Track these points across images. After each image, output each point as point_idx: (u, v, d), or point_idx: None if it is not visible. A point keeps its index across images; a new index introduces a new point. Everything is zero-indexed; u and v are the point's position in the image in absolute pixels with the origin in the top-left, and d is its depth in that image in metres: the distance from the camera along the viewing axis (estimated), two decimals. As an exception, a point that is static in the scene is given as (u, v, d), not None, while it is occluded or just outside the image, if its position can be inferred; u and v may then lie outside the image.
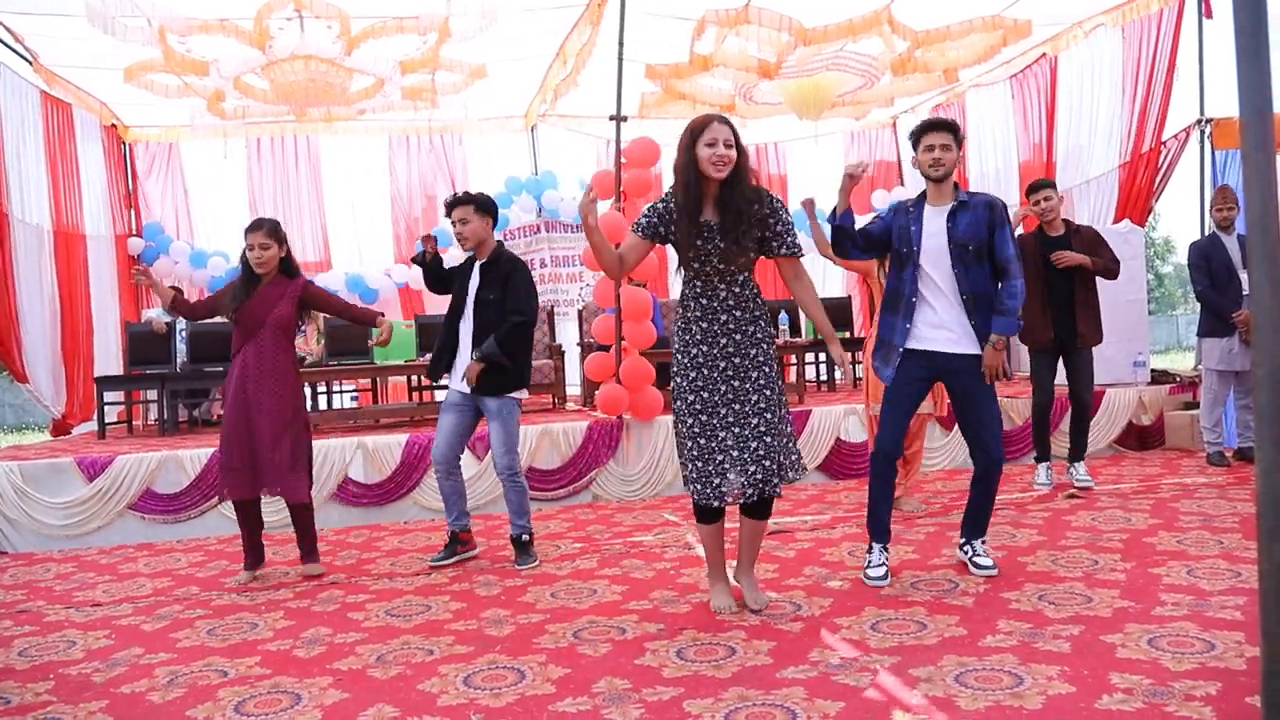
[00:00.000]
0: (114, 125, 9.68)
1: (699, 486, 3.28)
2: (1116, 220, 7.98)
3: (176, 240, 9.93)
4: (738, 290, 3.28)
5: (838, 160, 11.75)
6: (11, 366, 7.52)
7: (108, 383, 7.53)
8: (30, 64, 7.82)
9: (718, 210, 3.25)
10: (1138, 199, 8.00)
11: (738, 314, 3.27)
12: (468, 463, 5.85)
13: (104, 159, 9.43)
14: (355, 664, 3.12)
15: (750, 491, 3.25)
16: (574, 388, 8.91)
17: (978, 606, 3.36)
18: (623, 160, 6.32)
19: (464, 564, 4.53)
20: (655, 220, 3.31)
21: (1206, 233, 6.61)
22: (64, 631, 3.73)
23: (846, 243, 3.83)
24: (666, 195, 3.32)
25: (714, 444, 3.26)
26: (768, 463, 3.25)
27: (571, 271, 10.53)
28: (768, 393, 3.28)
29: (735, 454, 3.25)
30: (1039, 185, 5.48)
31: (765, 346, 3.32)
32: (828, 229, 3.94)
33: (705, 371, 3.27)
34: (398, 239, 10.58)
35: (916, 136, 3.78)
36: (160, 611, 3.95)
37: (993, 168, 10.04)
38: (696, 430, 3.28)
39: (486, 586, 4.08)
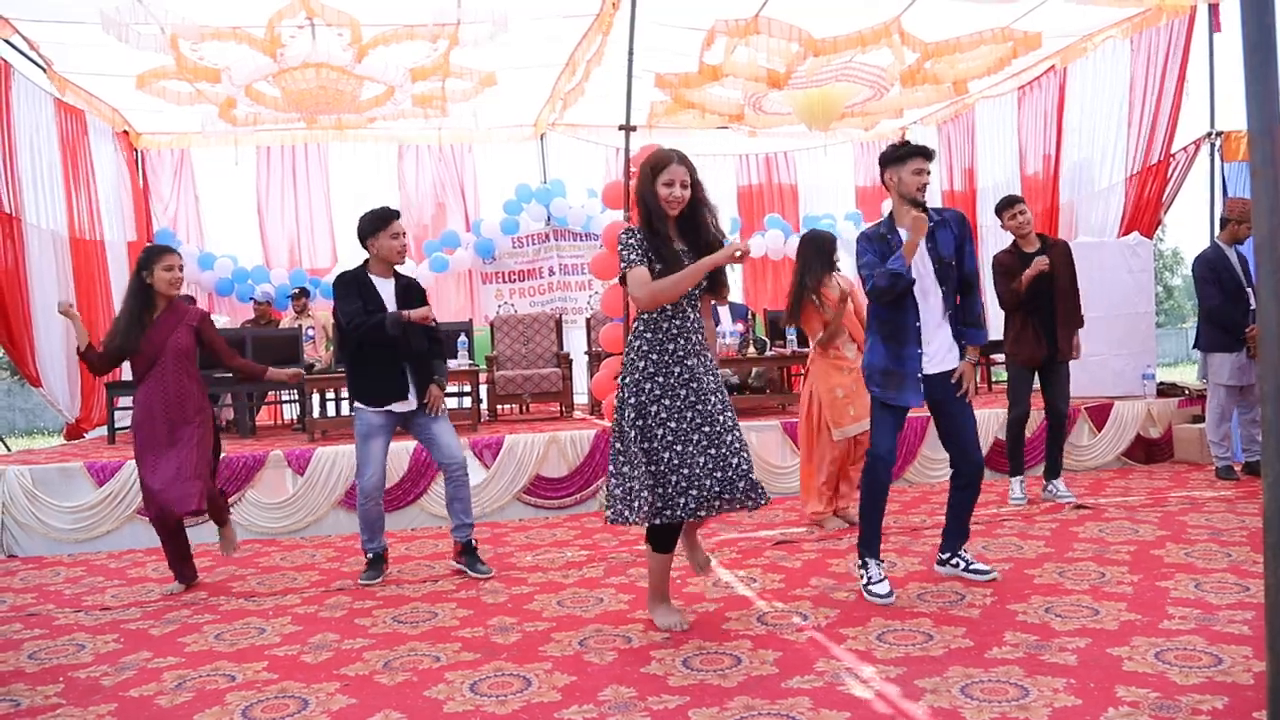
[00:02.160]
0: (126, 132, 9.75)
1: (684, 499, 3.19)
2: (1125, 232, 7.96)
3: (186, 245, 9.99)
4: (695, 316, 3.38)
5: (847, 170, 11.81)
6: (25, 370, 7.57)
7: (119, 388, 7.56)
8: (44, 71, 7.89)
9: (682, 238, 3.37)
10: (1146, 211, 7.99)
11: (697, 338, 3.36)
12: (473, 470, 5.87)
13: (116, 165, 9.50)
14: (362, 670, 3.13)
15: (736, 502, 3.28)
16: (581, 396, 8.92)
17: (984, 618, 3.35)
18: (633, 169, 6.34)
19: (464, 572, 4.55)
20: (641, 250, 3.33)
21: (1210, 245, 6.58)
22: (73, 635, 3.75)
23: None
24: (631, 229, 3.36)
25: (691, 448, 3.22)
26: (746, 474, 3.29)
27: (580, 280, 10.56)
28: (730, 413, 3.35)
29: (711, 465, 3.24)
30: (1010, 201, 5.45)
31: (717, 373, 3.43)
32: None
33: (672, 385, 3.27)
34: (406, 246, 10.65)
35: (903, 157, 3.67)
36: (168, 616, 3.98)
37: (1001, 179, 10.05)
38: (670, 439, 3.22)
39: (493, 594, 4.09)
